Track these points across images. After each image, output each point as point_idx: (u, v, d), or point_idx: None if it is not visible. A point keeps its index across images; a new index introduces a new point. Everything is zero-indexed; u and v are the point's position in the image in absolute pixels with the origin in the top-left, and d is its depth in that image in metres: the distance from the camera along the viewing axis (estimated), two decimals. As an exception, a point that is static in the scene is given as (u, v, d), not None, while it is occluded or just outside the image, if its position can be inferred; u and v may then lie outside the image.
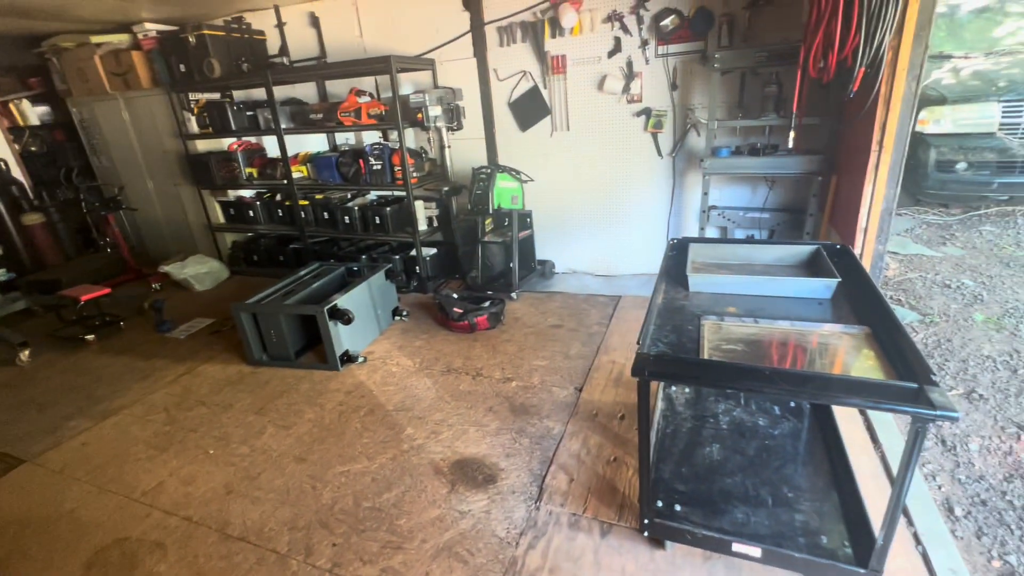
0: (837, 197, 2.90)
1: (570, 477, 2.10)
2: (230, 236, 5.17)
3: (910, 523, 1.77)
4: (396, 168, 3.96)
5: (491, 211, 3.66)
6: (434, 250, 4.38)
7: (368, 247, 4.57)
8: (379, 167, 4.05)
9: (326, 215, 4.49)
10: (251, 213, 4.83)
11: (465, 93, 4.11)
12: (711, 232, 3.65)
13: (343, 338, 3.12)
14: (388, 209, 4.16)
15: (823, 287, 1.67)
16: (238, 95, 4.81)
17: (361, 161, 4.10)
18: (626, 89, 3.62)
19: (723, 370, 1.33)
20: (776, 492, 1.68)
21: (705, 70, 3.44)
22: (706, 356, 1.44)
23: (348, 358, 3.14)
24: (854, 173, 2.55)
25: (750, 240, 1.97)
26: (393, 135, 4.46)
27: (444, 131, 4.09)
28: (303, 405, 2.78)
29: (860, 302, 1.63)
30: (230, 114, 4.35)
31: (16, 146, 5.08)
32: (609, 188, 4.01)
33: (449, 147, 4.18)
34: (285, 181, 4.42)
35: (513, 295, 3.91)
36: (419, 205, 4.19)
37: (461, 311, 3.43)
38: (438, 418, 2.57)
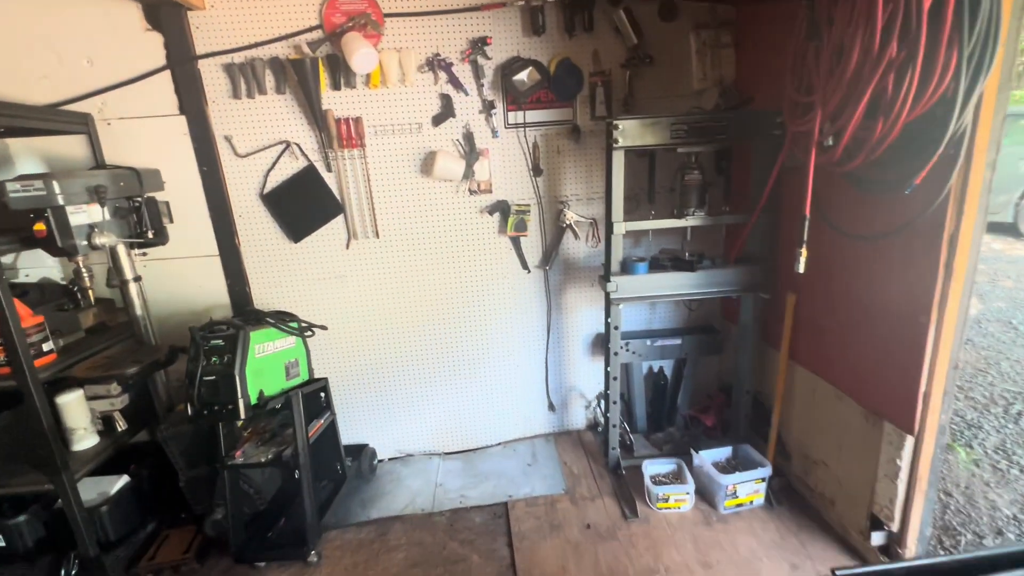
0: (801, 324, 2.02)
1: None
2: None
3: None
4: (-12, 341, 1.74)
5: (244, 414, 1.77)
6: (123, 480, 2.14)
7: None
8: (-60, 341, 1.74)
9: None
10: None
11: (172, 177, 2.19)
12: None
13: None
14: (-23, 430, 1.82)
15: None
16: None
17: None
18: (469, 174, 2.29)
19: None
20: None
21: (578, 148, 2.37)
22: None
23: None
24: (861, 305, 1.66)
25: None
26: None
27: (123, 250, 2.05)
28: None
29: None
30: None
31: None
32: (451, 321, 2.54)
33: (137, 280, 2.13)
34: None
35: (312, 556, 1.99)
36: (73, 402, 1.98)
37: None
38: None
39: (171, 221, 2.22)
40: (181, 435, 2.06)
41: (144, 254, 2.19)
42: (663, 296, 2.14)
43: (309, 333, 2.14)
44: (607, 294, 2.15)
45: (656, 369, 2.69)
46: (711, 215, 2.09)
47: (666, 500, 2.11)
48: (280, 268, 2.37)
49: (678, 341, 2.49)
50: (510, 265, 2.49)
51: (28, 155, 2.16)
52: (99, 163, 2.13)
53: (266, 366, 1.89)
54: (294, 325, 2.08)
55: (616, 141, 1.93)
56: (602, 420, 2.70)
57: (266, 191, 2.26)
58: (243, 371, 1.76)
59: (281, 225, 2.31)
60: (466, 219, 2.40)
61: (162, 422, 2.17)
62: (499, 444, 2.73)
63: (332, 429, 2.29)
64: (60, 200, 1.66)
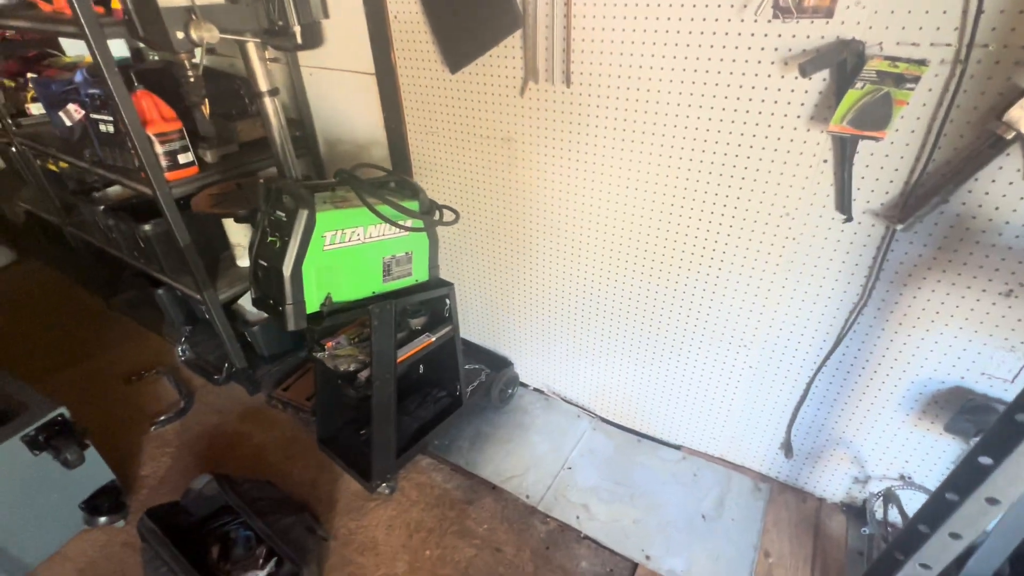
0: None
1: None
2: None
3: None
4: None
5: (293, 324, 1.28)
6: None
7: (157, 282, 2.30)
8: (109, 128, 1.68)
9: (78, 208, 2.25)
10: None
11: (316, -56, 1.53)
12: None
13: None
14: (148, 227, 1.84)
15: None
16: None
17: (78, 110, 1.73)
18: (787, -41, 0.95)
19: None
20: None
21: None
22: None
23: None
24: None
25: None
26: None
27: (253, 51, 1.57)
28: None
29: None
30: None
31: None
32: (662, 255, 1.47)
33: (273, 93, 1.67)
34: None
35: (383, 488, 1.65)
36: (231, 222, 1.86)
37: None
38: None
39: (326, 16, 1.63)
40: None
41: (276, 59, 1.71)
42: None
43: (433, 217, 1.44)
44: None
45: (1079, 510, 1.18)
46: None
47: None
48: (434, 108, 1.62)
49: None
50: (810, 196, 1.18)
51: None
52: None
53: (345, 261, 1.31)
54: (413, 207, 1.39)
55: None
56: (878, 515, 1.44)
57: (424, -24, 1.40)
58: (298, 268, 1.22)
59: (438, 39, 1.48)
60: (745, 78, 1.12)
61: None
62: (679, 448, 1.79)
63: (450, 346, 1.71)
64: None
